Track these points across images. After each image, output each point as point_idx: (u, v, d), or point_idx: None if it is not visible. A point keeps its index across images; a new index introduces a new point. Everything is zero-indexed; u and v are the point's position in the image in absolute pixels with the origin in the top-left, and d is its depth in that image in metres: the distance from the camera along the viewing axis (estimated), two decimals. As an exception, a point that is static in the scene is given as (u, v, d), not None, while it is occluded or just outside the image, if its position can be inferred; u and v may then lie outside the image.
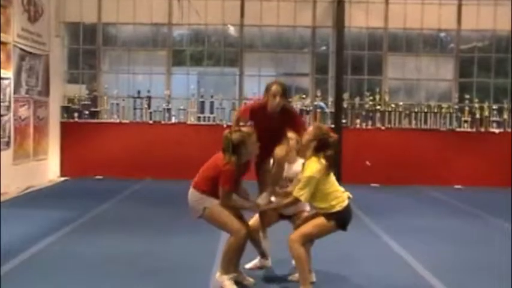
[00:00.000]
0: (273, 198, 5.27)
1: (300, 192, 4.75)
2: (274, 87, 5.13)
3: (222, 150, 4.95)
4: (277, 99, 5.09)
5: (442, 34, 14.17)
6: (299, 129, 5.26)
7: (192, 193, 5.06)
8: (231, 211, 4.97)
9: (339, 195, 4.86)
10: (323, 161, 4.79)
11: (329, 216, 4.82)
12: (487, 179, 12.88)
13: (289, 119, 5.29)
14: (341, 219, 4.84)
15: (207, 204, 4.96)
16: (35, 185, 11.83)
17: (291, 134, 5.32)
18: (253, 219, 5.47)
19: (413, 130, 13.40)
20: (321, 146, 4.83)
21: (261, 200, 5.17)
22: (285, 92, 5.22)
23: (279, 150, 5.20)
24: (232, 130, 5.04)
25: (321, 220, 4.84)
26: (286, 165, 5.34)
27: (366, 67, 13.89)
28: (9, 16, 10.89)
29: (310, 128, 5.05)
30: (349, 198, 4.91)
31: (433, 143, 13.17)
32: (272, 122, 5.17)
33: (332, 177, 4.90)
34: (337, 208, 4.80)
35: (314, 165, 4.77)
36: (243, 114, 5.32)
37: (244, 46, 13.84)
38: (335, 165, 4.94)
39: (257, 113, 5.21)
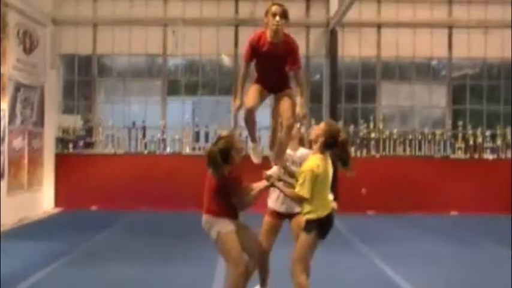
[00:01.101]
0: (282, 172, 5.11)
1: (301, 189, 4.72)
2: (274, 7, 4.80)
3: (211, 167, 4.82)
4: (277, 18, 4.74)
5: (434, 62, 14.33)
6: (296, 68, 4.90)
7: (204, 218, 4.94)
8: (247, 242, 4.89)
9: (325, 203, 4.83)
10: (326, 159, 4.76)
11: (309, 225, 4.78)
12: (483, 206, 12.86)
13: (291, 53, 4.87)
14: (321, 227, 4.78)
15: (221, 228, 4.83)
16: (30, 216, 11.75)
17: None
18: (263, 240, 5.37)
19: (408, 157, 13.41)
20: (328, 144, 4.77)
21: (273, 172, 5.00)
22: (286, 13, 4.81)
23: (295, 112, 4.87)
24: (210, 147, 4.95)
25: (303, 238, 4.81)
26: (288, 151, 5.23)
27: (359, 95, 13.98)
28: (5, 48, 10.95)
29: (322, 124, 4.94)
30: (333, 209, 4.91)
31: (428, 170, 13.16)
32: (277, 56, 4.84)
33: (328, 181, 4.85)
34: (319, 214, 4.76)
35: (314, 161, 4.75)
36: (245, 58, 4.96)
37: (239, 75, 13.79)
38: (344, 163, 4.81)
39: (259, 49, 4.86)
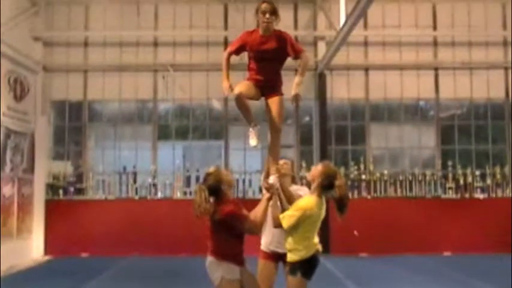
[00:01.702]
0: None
1: (286, 219, 4.68)
2: (263, 5, 4.90)
3: (200, 205, 4.65)
4: (267, 15, 4.85)
5: (422, 103, 14.45)
6: (299, 52, 4.93)
7: (208, 260, 4.78)
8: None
9: (311, 245, 4.78)
10: (322, 203, 4.73)
11: (293, 267, 4.74)
12: (476, 246, 12.82)
13: (285, 44, 4.92)
14: (305, 268, 4.73)
15: (225, 274, 4.67)
16: (19, 264, 11.57)
17: (284, 161, 5.20)
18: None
19: (399, 198, 13.42)
20: (325, 186, 4.72)
21: (273, 180, 4.86)
22: (276, 10, 4.91)
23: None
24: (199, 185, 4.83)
25: (290, 281, 4.77)
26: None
27: (349, 137, 14.07)
28: (-4, 96, 11.00)
29: (319, 165, 4.92)
30: (317, 251, 4.84)
31: (420, 211, 13.16)
32: (269, 49, 4.89)
33: (318, 224, 4.81)
34: (302, 256, 4.72)
35: (310, 203, 4.71)
36: (231, 47, 5.03)
37: (229, 119, 13.96)
38: (340, 208, 4.75)
39: (250, 42, 4.95)
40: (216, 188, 4.73)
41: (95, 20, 13.87)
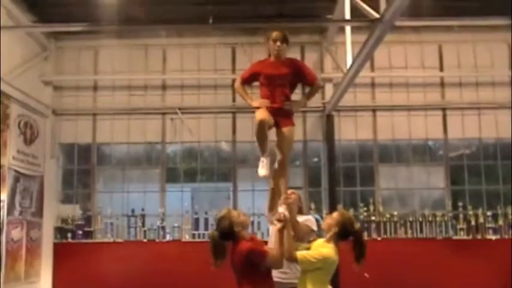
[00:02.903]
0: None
1: (302, 258, 4.53)
2: (274, 33, 5.00)
3: (214, 252, 4.61)
4: (278, 43, 4.94)
5: (430, 143, 14.37)
6: (312, 79, 5.03)
7: None
8: None
9: None
10: (337, 251, 4.63)
11: None
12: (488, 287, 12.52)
13: (300, 71, 5.04)
14: None
15: None
16: (26, 309, 11.46)
17: (291, 191, 5.19)
18: None
19: (409, 240, 13.25)
20: (342, 234, 4.64)
21: (284, 211, 4.83)
22: (286, 38, 5.04)
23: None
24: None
25: None
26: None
27: (358, 178, 13.96)
28: (6, 140, 11.07)
29: (335, 213, 4.85)
30: None
31: (431, 252, 12.96)
32: (281, 74, 4.98)
33: (332, 273, 4.71)
34: None
35: (332, 250, 4.62)
36: (243, 75, 5.12)
37: (237, 161, 13.94)
38: (358, 257, 4.72)
39: (262, 70, 5.03)
40: (229, 231, 4.66)
41: (104, 64, 14.00)
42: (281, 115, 5.06)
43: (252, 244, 4.65)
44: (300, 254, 4.61)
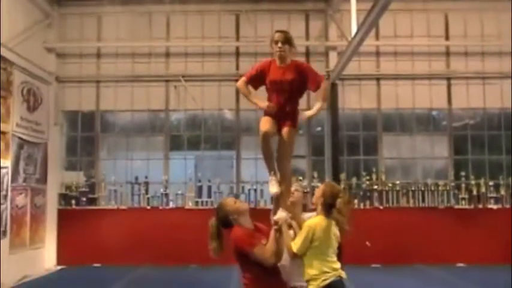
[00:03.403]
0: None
1: (294, 243, 4.48)
2: (275, 34, 4.85)
3: (212, 241, 4.63)
4: (280, 44, 4.78)
5: (434, 113, 14.37)
6: (318, 81, 4.81)
7: None
8: None
9: (328, 270, 4.48)
10: (330, 223, 4.51)
11: None
12: (489, 256, 12.66)
13: (305, 76, 4.81)
14: None
15: None
16: (32, 274, 11.63)
17: (296, 186, 5.09)
18: None
19: (411, 209, 13.33)
20: (328, 205, 4.53)
21: (280, 217, 4.69)
22: (289, 39, 4.85)
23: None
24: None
25: None
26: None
27: (361, 147, 13.97)
28: (9, 106, 11.09)
29: (322, 185, 4.78)
30: (340, 277, 4.54)
31: (432, 221, 13.06)
32: (287, 80, 4.79)
33: (330, 246, 4.56)
34: (319, 284, 4.43)
35: (316, 218, 4.54)
36: (247, 75, 4.93)
37: (241, 130, 13.97)
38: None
39: (268, 72, 4.87)
40: (225, 219, 4.61)
41: (107, 31, 13.96)
42: (284, 118, 4.87)
43: (243, 233, 4.54)
44: (293, 243, 4.49)
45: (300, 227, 4.70)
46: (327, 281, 4.45)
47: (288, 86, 4.81)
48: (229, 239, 4.57)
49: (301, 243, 4.47)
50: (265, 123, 4.83)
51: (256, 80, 4.96)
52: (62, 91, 13.85)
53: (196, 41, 13.89)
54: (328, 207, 4.55)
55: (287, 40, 4.86)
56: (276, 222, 4.65)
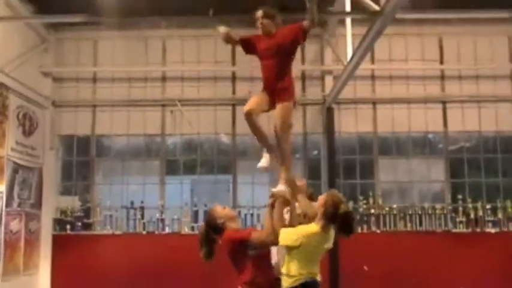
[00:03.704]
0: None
1: (283, 234, 4.54)
2: (257, 13, 5.20)
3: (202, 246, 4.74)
4: (260, 21, 5.15)
5: (430, 136, 14.33)
6: (296, 26, 5.03)
7: None
8: None
9: (308, 273, 4.61)
10: (328, 235, 4.58)
11: None
12: (488, 281, 12.55)
13: (285, 33, 5.08)
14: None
15: None
16: (25, 301, 11.46)
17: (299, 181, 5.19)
18: None
19: (409, 232, 13.22)
20: (330, 214, 4.55)
21: (278, 191, 4.82)
22: (268, 13, 5.17)
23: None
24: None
25: None
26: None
27: (358, 171, 13.92)
28: (5, 131, 11.06)
29: (324, 194, 4.85)
30: (314, 278, 4.69)
31: (430, 245, 12.96)
32: (272, 44, 5.06)
33: (317, 256, 4.66)
34: (292, 283, 4.58)
35: (313, 229, 4.57)
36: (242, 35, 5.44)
37: (237, 154, 13.91)
38: (343, 228, 4.63)
39: (254, 42, 5.26)
40: (214, 225, 4.80)
41: (104, 56, 13.95)
42: (277, 91, 5.05)
43: (235, 230, 4.75)
44: (283, 229, 4.58)
45: (291, 215, 4.78)
46: (301, 281, 4.60)
47: (276, 48, 5.05)
48: (223, 242, 4.73)
49: (287, 243, 4.54)
50: (250, 102, 5.07)
51: (245, 42, 5.43)
52: (58, 115, 13.81)
53: (193, 66, 13.90)
54: (330, 217, 4.57)
55: (266, 15, 5.21)
56: (273, 195, 4.69)
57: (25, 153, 12.06)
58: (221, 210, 4.91)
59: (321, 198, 4.72)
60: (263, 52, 5.13)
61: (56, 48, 13.85)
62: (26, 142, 12.12)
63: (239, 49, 13.02)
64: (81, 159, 14.03)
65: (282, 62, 5.08)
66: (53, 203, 13.47)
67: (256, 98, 5.09)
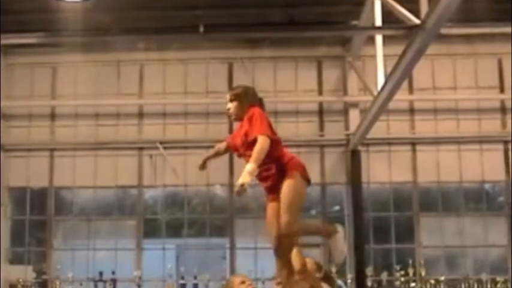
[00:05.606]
0: None
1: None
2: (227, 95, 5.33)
3: None
4: (228, 106, 5.20)
5: (488, 186, 12.86)
6: (249, 133, 4.87)
7: None
8: None
9: None
10: None
11: None
12: None
13: (245, 123, 5.03)
14: None
15: None
16: None
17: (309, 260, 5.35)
18: None
19: (461, 313, 11.90)
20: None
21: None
22: (236, 95, 5.15)
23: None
24: None
25: None
26: None
27: (392, 232, 12.48)
28: None
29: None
30: None
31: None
32: (239, 136, 5.09)
33: None
34: None
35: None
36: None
37: (235, 211, 12.53)
38: None
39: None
40: None
41: (65, 86, 12.67)
42: (268, 188, 5.08)
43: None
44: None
45: None
46: None
47: (245, 141, 4.98)
48: None
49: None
50: (270, 223, 5.13)
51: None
52: (6, 162, 12.42)
53: (178, 98, 12.60)
54: None
55: (234, 97, 5.18)
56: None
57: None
58: (238, 285, 5.02)
59: None
60: (236, 146, 5.19)
61: (4, 77, 12.46)
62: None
63: (237, 77, 12.12)
64: (36, 218, 12.76)
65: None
66: (1, 273, 12.10)
67: (270, 210, 5.07)
